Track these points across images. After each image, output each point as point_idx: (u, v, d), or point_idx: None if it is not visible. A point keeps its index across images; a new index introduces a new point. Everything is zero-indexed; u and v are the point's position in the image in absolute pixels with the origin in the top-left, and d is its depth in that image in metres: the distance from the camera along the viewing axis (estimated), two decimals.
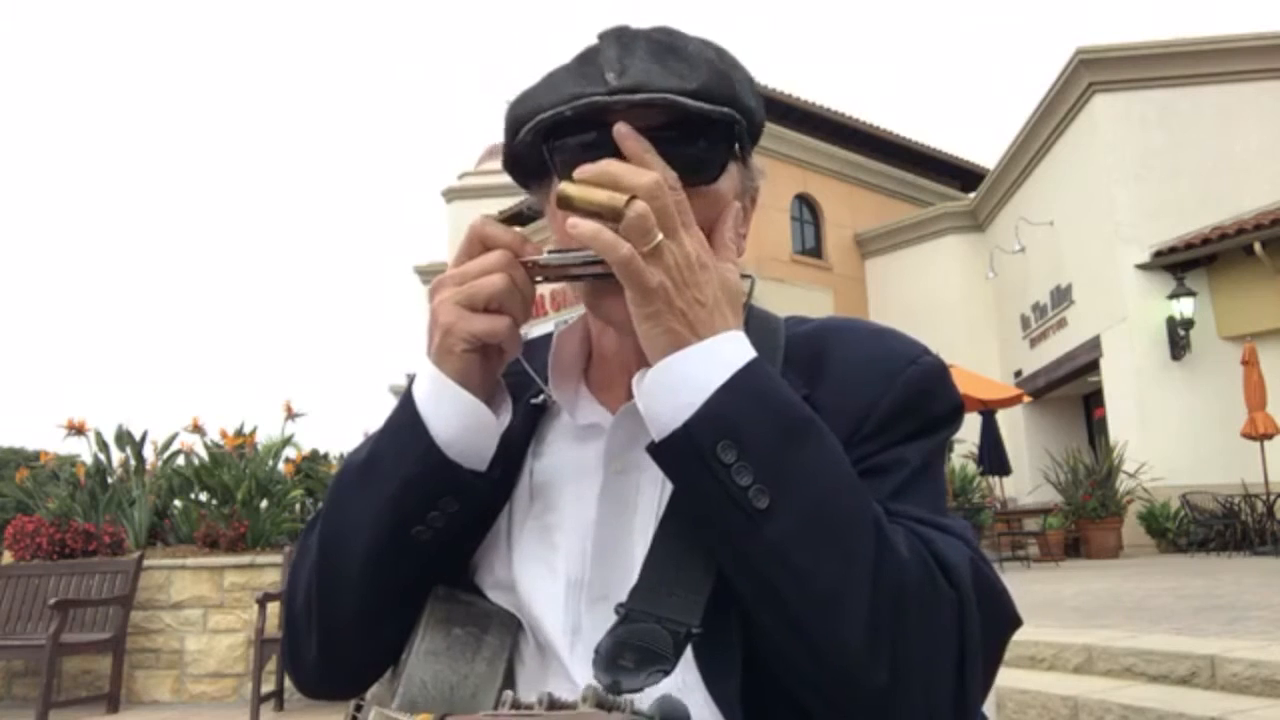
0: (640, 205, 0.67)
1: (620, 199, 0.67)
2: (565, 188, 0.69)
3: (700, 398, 0.67)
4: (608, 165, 0.69)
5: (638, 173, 0.69)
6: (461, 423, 0.74)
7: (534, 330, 0.81)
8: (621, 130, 0.71)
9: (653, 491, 0.78)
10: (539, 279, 0.75)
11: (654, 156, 0.71)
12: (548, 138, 0.77)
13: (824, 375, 0.77)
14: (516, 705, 0.56)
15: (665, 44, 0.76)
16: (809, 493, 0.67)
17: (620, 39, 0.77)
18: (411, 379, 0.77)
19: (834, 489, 0.68)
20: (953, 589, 0.68)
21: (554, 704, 0.55)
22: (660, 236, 0.67)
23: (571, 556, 0.78)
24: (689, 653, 0.70)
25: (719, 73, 0.76)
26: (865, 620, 0.65)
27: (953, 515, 0.76)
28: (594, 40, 0.79)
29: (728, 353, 0.69)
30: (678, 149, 0.73)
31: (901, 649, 0.66)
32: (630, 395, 0.80)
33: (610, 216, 0.67)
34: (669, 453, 0.68)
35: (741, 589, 0.69)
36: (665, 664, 0.67)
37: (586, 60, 0.77)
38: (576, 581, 0.77)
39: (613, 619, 0.70)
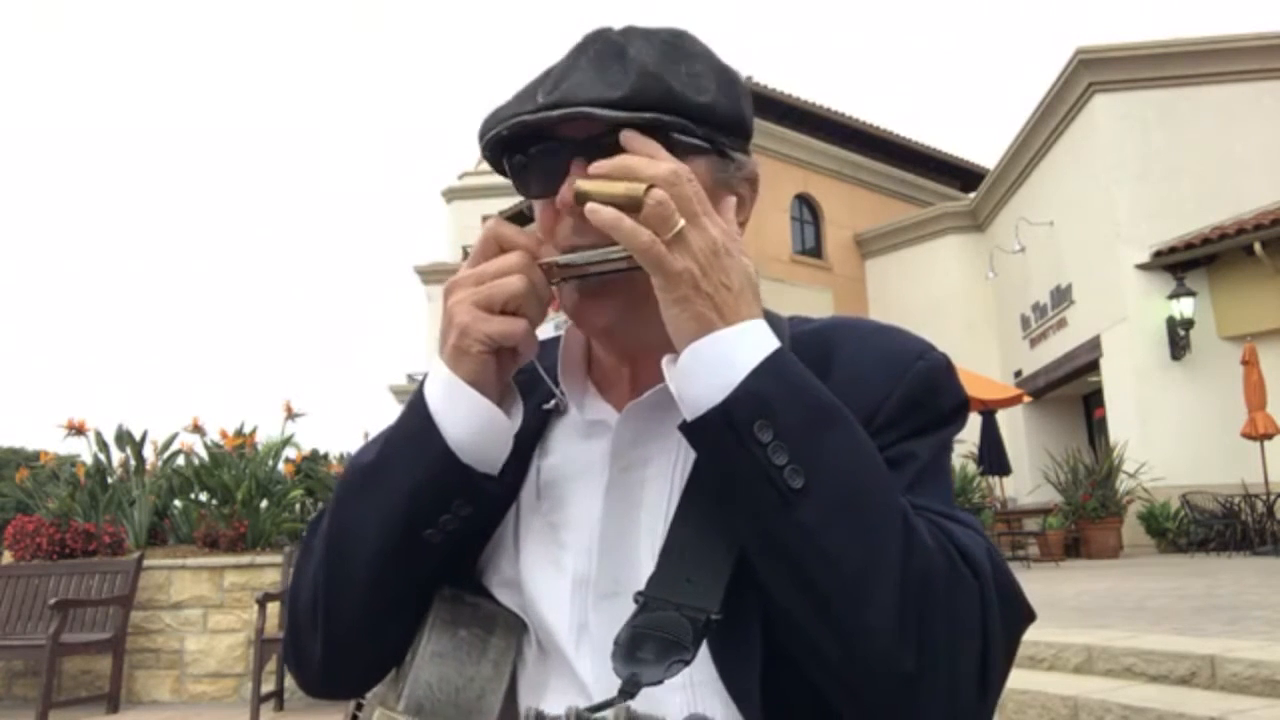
0: (659, 193, 0.68)
1: (639, 188, 0.68)
2: (582, 184, 0.71)
3: (737, 377, 0.67)
4: (624, 159, 0.71)
5: (653, 164, 0.70)
6: (475, 426, 0.74)
7: (537, 333, 0.81)
8: (626, 136, 0.73)
9: (658, 488, 0.78)
10: (555, 280, 0.75)
11: (663, 152, 0.72)
12: (502, 154, 0.80)
13: (831, 373, 0.77)
14: (541, 717, 0.56)
15: (615, 47, 0.77)
16: (841, 475, 0.67)
17: (580, 47, 0.79)
18: (422, 380, 0.77)
19: (864, 473, 0.68)
20: (975, 578, 0.68)
21: (581, 718, 0.55)
22: (682, 223, 0.68)
23: (578, 554, 0.78)
24: (704, 647, 0.70)
25: (650, 75, 0.75)
26: (894, 605, 0.65)
27: (963, 510, 0.77)
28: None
29: (757, 337, 0.70)
30: (614, 154, 0.74)
31: (928, 635, 0.66)
32: (633, 393, 0.81)
33: (630, 207, 0.68)
34: (705, 431, 0.68)
35: (767, 572, 0.69)
36: (684, 654, 0.67)
37: (542, 76, 0.79)
38: (583, 578, 0.77)
39: (620, 615, 0.70)
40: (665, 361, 0.73)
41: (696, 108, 0.77)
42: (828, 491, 0.66)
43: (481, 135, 0.80)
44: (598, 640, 0.73)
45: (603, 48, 0.78)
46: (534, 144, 0.77)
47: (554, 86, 0.75)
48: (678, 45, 0.80)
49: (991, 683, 0.69)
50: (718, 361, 0.68)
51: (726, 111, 0.80)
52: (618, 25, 0.82)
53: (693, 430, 0.69)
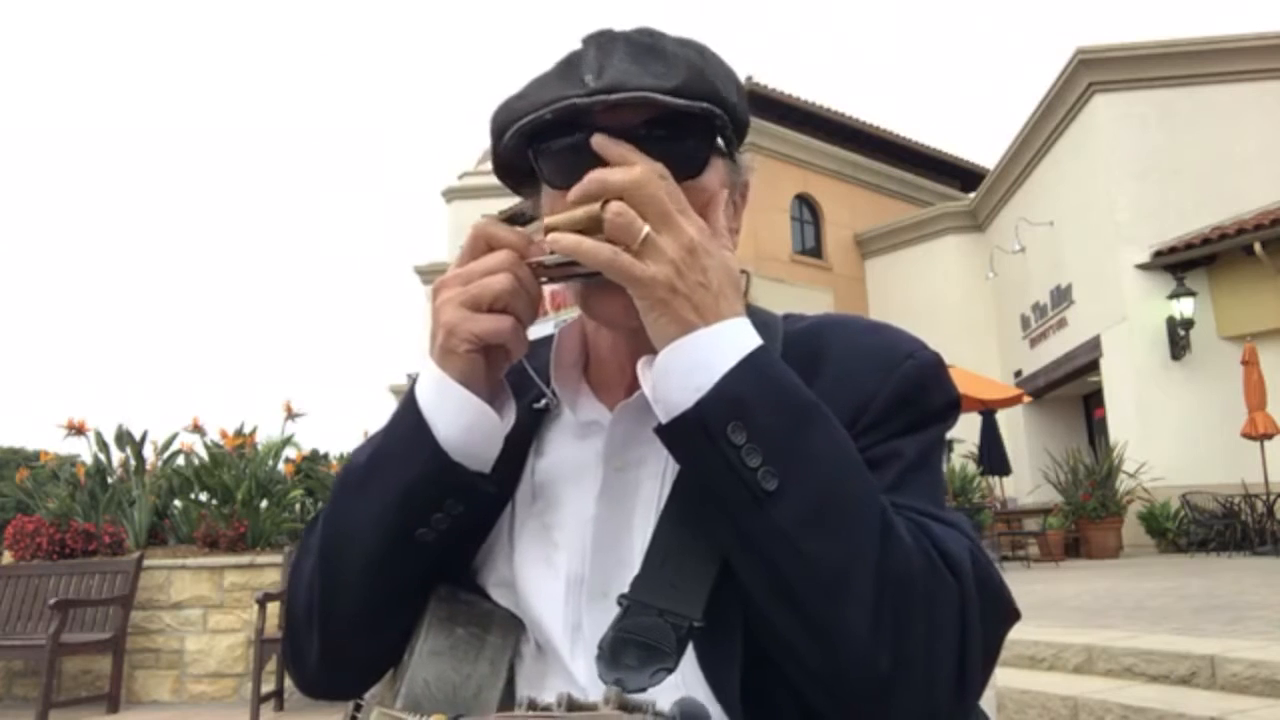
0: (616, 205, 0.68)
1: (596, 207, 0.68)
2: (548, 220, 0.71)
3: (711, 379, 0.67)
4: (589, 176, 0.70)
5: (616, 172, 0.70)
6: (466, 424, 0.74)
7: (534, 331, 0.81)
8: (598, 141, 0.73)
9: (652, 488, 0.78)
10: (544, 280, 0.75)
11: (636, 154, 0.72)
12: (531, 142, 0.78)
13: (821, 370, 0.77)
14: (534, 706, 0.56)
15: (645, 45, 0.77)
16: (817, 476, 0.67)
17: (600, 42, 0.78)
18: (414, 380, 0.77)
19: (841, 474, 0.68)
20: (954, 578, 0.68)
21: (573, 705, 0.55)
22: (647, 229, 0.68)
23: (572, 554, 0.78)
24: (690, 648, 0.70)
25: (697, 70, 0.76)
26: (870, 605, 0.65)
27: (951, 509, 0.76)
28: (578, 45, 0.80)
29: (736, 337, 0.69)
30: (658, 146, 0.74)
31: (905, 636, 0.66)
32: (629, 393, 0.81)
33: (596, 228, 0.68)
34: (678, 433, 0.68)
35: (745, 573, 0.69)
36: (668, 661, 0.67)
37: (568, 65, 0.78)
38: (577, 579, 0.77)
39: (613, 616, 0.70)
40: (641, 364, 0.72)
41: (731, 107, 0.79)
42: (802, 493, 0.66)
43: (508, 120, 0.78)
44: (590, 641, 0.73)
45: (632, 44, 0.77)
46: (568, 132, 0.75)
47: (599, 73, 0.74)
48: (700, 49, 0.81)
49: (970, 683, 0.69)
50: (693, 363, 0.68)
51: (743, 117, 0.82)
52: (620, 28, 0.81)
53: (666, 433, 0.69)
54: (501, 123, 0.79)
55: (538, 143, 0.78)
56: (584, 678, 0.74)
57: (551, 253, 0.72)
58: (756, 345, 0.69)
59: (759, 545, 0.67)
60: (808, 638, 0.66)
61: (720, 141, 0.79)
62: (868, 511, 0.67)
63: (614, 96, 0.72)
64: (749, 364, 0.68)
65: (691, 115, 0.75)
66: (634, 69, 0.74)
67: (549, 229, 0.70)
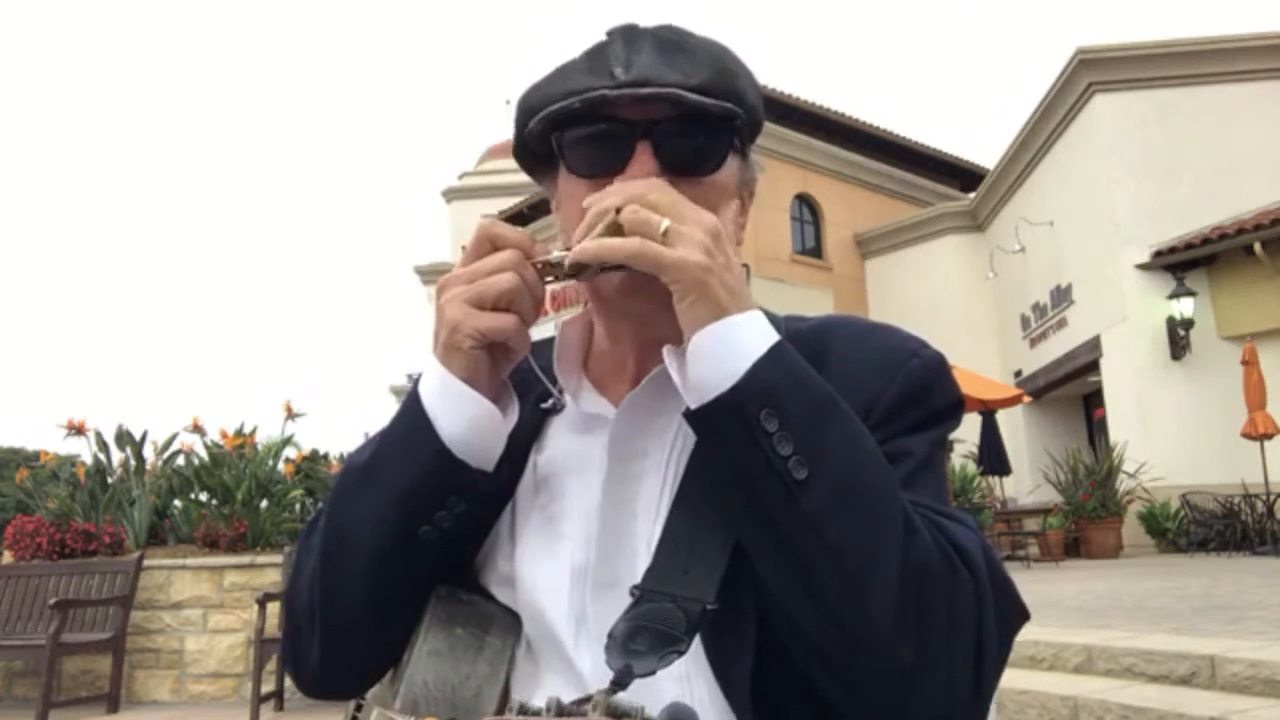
0: (629, 207, 0.69)
1: (611, 214, 0.70)
2: (569, 258, 0.72)
3: (744, 365, 0.67)
4: (592, 202, 0.72)
5: (614, 193, 0.72)
6: (469, 422, 0.74)
7: (536, 332, 0.81)
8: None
9: (655, 480, 0.78)
10: (549, 279, 0.75)
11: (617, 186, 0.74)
12: (555, 128, 0.80)
13: (826, 371, 0.77)
14: (524, 710, 0.56)
15: (671, 41, 0.79)
16: (844, 467, 0.67)
17: (627, 36, 0.80)
18: (417, 378, 0.77)
19: (865, 466, 0.68)
20: (970, 574, 0.68)
21: (562, 710, 0.55)
22: (667, 222, 0.69)
23: (577, 544, 0.78)
24: (697, 638, 0.69)
25: (722, 69, 0.79)
26: (893, 596, 0.65)
27: (957, 509, 0.77)
28: (602, 37, 0.82)
29: (762, 327, 0.70)
30: (681, 141, 0.77)
31: (926, 628, 0.66)
32: (630, 388, 0.81)
33: (612, 234, 0.69)
34: (712, 418, 0.68)
35: (766, 564, 0.69)
36: (679, 644, 0.67)
37: (595, 56, 0.80)
38: (581, 569, 0.77)
39: (618, 606, 0.70)
40: (667, 350, 0.73)
41: (750, 108, 0.81)
42: (830, 483, 0.66)
43: (537, 105, 0.80)
44: (596, 632, 0.73)
45: (659, 40, 0.79)
46: (594, 122, 0.78)
47: (628, 66, 0.76)
48: (723, 48, 0.83)
49: (985, 681, 0.69)
50: (726, 348, 0.68)
51: (760, 118, 0.84)
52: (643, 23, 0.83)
53: (699, 417, 0.69)
54: (529, 106, 0.81)
55: (562, 130, 0.79)
56: (588, 669, 0.73)
57: (558, 250, 0.73)
58: (779, 337, 0.70)
59: (786, 534, 0.67)
60: (830, 629, 0.66)
61: (737, 141, 0.81)
62: (891, 503, 0.67)
63: (643, 91, 0.75)
64: (777, 353, 0.69)
65: (713, 114, 0.77)
66: (661, 65, 0.76)
67: (574, 264, 0.71)
